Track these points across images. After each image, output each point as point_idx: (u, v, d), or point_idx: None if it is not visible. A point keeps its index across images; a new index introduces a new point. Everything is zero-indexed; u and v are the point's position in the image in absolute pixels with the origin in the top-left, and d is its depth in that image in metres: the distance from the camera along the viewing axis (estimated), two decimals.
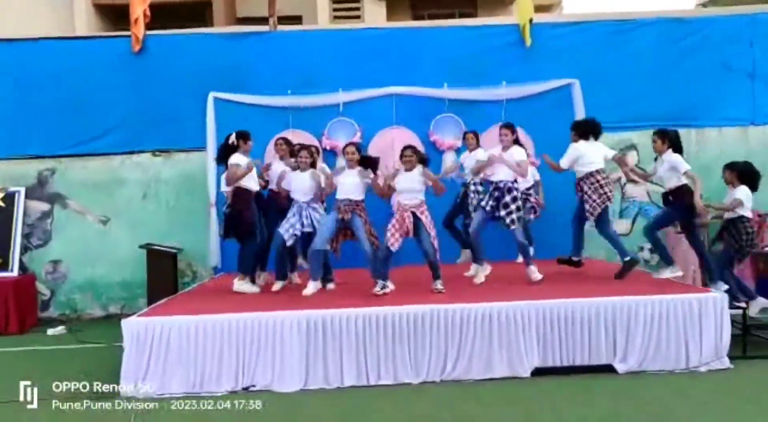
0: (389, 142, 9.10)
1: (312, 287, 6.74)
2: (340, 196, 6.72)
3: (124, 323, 5.87)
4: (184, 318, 5.92)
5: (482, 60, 9.31)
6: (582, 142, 7.03)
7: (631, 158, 9.54)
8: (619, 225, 9.51)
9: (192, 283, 9.01)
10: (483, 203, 6.96)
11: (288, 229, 6.92)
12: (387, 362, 5.84)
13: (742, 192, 6.67)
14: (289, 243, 6.98)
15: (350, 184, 6.69)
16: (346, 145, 6.94)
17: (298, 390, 5.74)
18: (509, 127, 7.00)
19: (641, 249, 9.31)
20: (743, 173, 6.74)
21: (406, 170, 6.61)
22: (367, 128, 9.18)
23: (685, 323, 5.95)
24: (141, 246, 9.07)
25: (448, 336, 5.87)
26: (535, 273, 6.91)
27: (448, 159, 9.17)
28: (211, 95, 9.01)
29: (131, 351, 5.79)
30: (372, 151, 8.97)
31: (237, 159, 6.98)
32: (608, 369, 5.95)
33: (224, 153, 7.07)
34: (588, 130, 7.06)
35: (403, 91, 9.18)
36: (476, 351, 5.86)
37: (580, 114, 9.00)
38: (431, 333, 5.86)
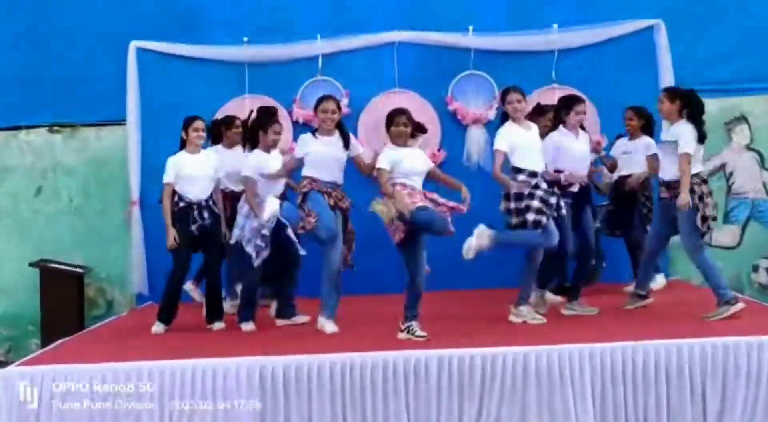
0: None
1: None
2: (324, 175, 6.80)
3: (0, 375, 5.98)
4: (88, 367, 5.99)
5: None
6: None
7: (743, 134, 9.56)
8: (725, 234, 9.52)
9: (105, 317, 9.10)
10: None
11: (251, 240, 7.06)
12: None
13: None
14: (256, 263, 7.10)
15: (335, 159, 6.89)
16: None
17: None
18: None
19: (755, 269, 9.37)
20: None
21: (401, 146, 6.61)
22: (356, 92, 9.24)
23: None
24: (32, 264, 9.20)
25: (463, 393, 5.90)
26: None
27: (475, 137, 9.24)
28: (133, 45, 9.14)
29: (11, 417, 5.87)
30: (364, 124, 9.13)
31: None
32: None
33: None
34: None
35: (410, 37, 9.25)
36: (504, 415, 5.90)
37: (666, 70, 9.06)
38: (439, 389, 5.91)
